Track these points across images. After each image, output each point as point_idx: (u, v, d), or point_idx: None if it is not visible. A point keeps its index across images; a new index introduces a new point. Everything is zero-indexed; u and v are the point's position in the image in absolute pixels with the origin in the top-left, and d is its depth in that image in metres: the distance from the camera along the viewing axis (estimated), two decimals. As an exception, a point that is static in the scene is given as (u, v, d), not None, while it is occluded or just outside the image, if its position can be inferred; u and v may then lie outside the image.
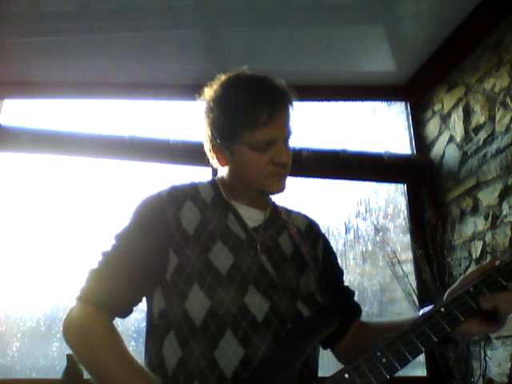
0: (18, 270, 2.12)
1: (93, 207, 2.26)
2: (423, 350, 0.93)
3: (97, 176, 2.35)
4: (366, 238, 2.50)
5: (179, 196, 1.10)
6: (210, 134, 1.10)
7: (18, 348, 2.02)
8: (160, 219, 1.06)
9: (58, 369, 1.94)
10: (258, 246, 1.08)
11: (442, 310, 0.96)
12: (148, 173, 2.37)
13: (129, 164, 2.38)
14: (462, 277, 1.03)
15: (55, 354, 2.01)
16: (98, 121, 2.46)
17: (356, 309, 1.25)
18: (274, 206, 1.21)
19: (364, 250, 2.47)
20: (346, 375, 0.89)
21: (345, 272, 1.28)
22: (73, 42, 2.31)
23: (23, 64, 2.38)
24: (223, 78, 1.12)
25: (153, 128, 2.45)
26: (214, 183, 1.18)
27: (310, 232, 1.24)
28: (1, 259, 2.11)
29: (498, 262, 1.02)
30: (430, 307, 1.01)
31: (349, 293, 1.26)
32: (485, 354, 1.98)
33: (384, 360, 0.90)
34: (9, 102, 2.44)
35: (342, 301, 1.22)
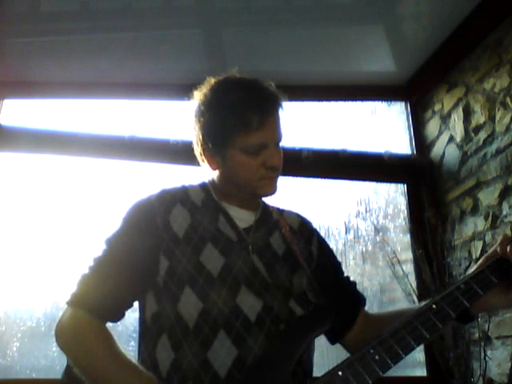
0: (18, 269, 2.12)
1: (93, 207, 2.26)
2: (415, 346, 0.93)
3: (97, 176, 2.35)
4: (366, 238, 2.50)
5: (169, 199, 1.11)
6: (201, 138, 1.11)
7: (18, 348, 2.02)
8: (150, 223, 1.07)
9: (57, 369, 1.93)
10: (250, 247, 1.08)
11: (434, 306, 0.97)
12: (148, 173, 2.37)
13: (129, 164, 2.38)
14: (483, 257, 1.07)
15: (55, 354, 2.00)
16: (98, 121, 2.46)
17: (360, 298, 1.25)
18: (265, 206, 1.21)
19: (364, 249, 2.47)
20: (340, 373, 0.89)
21: (345, 272, 1.28)
22: (73, 42, 2.31)
23: (23, 64, 2.38)
24: (213, 81, 1.13)
25: (153, 128, 2.45)
26: (204, 186, 1.18)
27: (303, 230, 1.24)
28: (1, 259, 2.11)
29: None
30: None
31: (350, 283, 1.26)
32: (485, 354, 1.98)
33: (377, 357, 0.90)
34: (9, 102, 2.43)
35: (344, 292, 1.23)
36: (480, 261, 1.07)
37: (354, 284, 1.26)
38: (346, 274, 1.27)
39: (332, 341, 1.22)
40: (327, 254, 1.26)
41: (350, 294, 1.24)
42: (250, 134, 1.04)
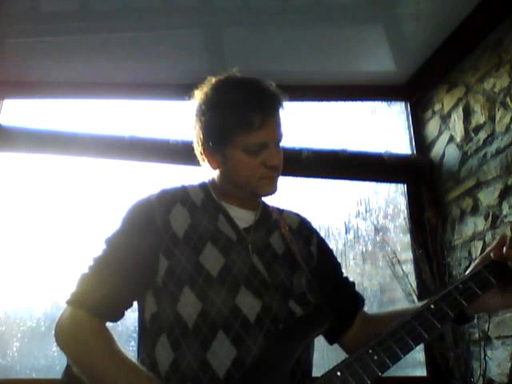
0: (18, 269, 2.12)
1: (93, 207, 2.26)
2: (414, 346, 0.94)
3: (97, 176, 2.35)
4: (366, 238, 2.50)
5: (169, 199, 1.11)
6: (201, 137, 1.11)
7: (18, 348, 2.02)
8: (149, 223, 1.07)
9: (57, 369, 1.93)
10: (249, 247, 1.08)
11: (432, 306, 0.98)
12: (148, 173, 2.37)
13: (129, 164, 2.38)
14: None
15: (55, 354, 2.00)
16: (98, 121, 2.46)
17: (358, 299, 1.25)
18: (265, 206, 1.21)
19: (364, 249, 2.47)
20: (339, 373, 0.89)
21: (345, 272, 1.28)
22: (73, 42, 2.31)
23: (23, 64, 2.38)
24: (214, 80, 1.13)
25: (153, 128, 2.45)
26: (204, 185, 1.18)
27: (302, 229, 1.24)
28: (1, 259, 2.11)
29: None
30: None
31: (349, 284, 1.26)
32: (485, 354, 1.98)
33: (376, 357, 0.91)
34: (9, 102, 2.43)
35: (343, 292, 1.23)
36: (476, 261, 1.07)
37: (353, 284, 1.26)
38: (345, 275, 1.27)
39: (330, 341, 1.22)
40: (327, 254, 1.26)
41: (349, 295, 1.24)
42: (250, 133, 1.04)
